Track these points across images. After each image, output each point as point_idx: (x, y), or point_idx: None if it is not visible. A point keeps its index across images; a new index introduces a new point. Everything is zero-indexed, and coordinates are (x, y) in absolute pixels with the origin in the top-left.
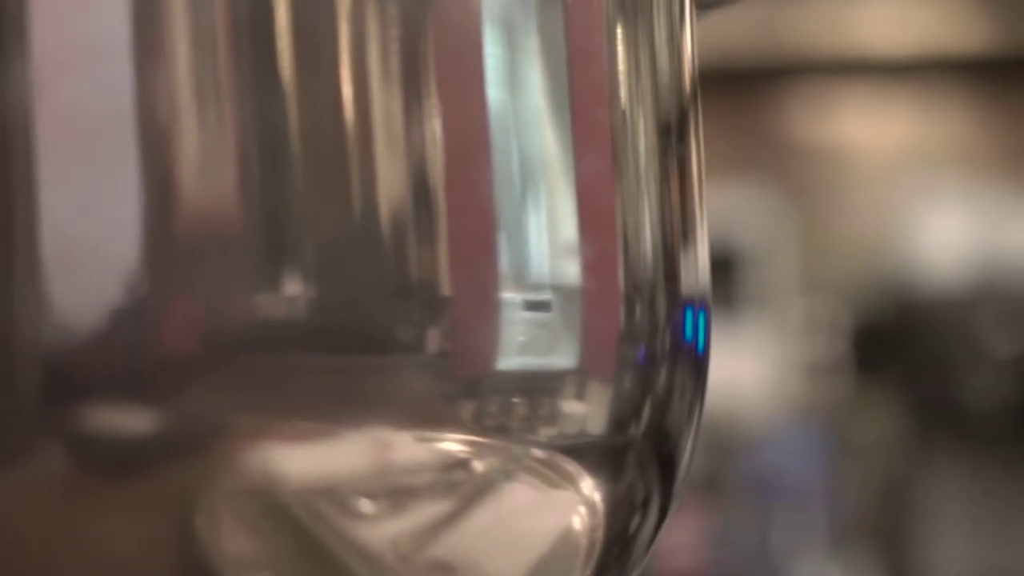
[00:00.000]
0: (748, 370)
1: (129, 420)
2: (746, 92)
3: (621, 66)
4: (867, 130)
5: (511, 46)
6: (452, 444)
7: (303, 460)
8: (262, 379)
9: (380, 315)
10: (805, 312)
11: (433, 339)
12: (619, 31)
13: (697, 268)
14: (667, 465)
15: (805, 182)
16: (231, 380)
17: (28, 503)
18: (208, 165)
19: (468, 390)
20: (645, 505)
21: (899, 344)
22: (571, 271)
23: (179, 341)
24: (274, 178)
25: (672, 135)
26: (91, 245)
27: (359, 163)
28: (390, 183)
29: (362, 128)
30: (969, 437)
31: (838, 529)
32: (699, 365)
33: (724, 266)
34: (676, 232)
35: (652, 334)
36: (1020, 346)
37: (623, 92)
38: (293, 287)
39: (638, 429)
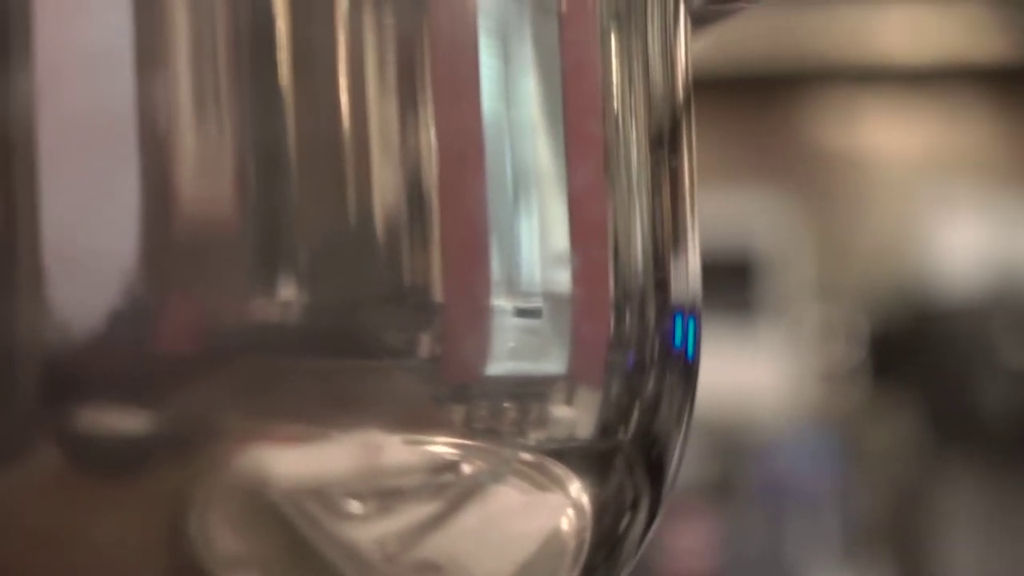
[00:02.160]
0: (764, 376)
1: (124, 421)
2: (766, 98)
3: (615, 77)
4: (887, 138)
5: (505, 57)
6: (441, 447)
7: (295, 461)
8: (256, 381)
9: (372, 320)
10: (821, 319)
11: (424, 344)
12: (613, 42)
13: (688, 276)
14: (656, 468)
15: (824, 189)
16: (226, 382)
17: (24, 501)
18: (206, 171)
19: (458, 394)
20: (634, 507)
21: (915, 352)
22: (562, 279)
23: (175, 343)
24: (271, 184)
25: (664, 145)
26: (90, 248)
27: (354, 171)
28: (384, 191)
29: (358, 136)
30: (983, 445)
31: (851, 536)
32: (688, 371)
33: (741, 272)
34: (667, 241)
35: (641, 341)
36: None
37: (616, 102)
38: (288, 292)
39: (626, 433)
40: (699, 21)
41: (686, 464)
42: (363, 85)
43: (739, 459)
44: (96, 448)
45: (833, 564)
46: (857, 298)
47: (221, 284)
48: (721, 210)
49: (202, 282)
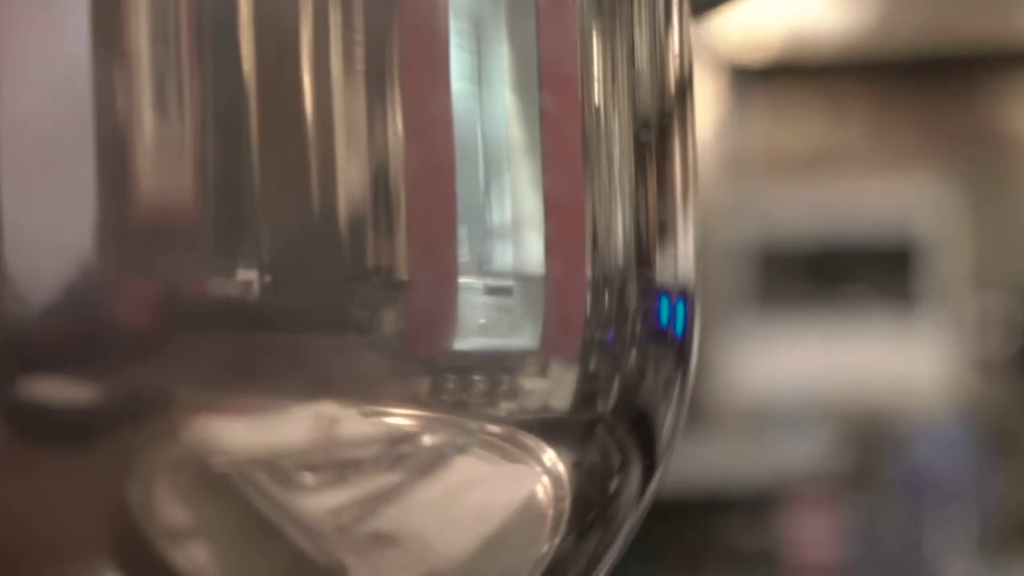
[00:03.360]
0: (920, 364)
1: (79, 392)
2: (932, 82)
3: (595, 64)
4: None
5: (478, 40)
6: (402, 419)
7: (247, 432)
8: (211, 355)
9: (333, 296)
10: (980, 308)
11: (388, 319)
12: (594, 31)
13: (676, 261)
14: (643, 434)
15: (988, 175)
16: (180, 355)
17: None
18: (166, 151)
19: (424, 368)
20: (623, 469)
21: None
22: (535, 260)
23: (128, 317)
24: (232, 165)
25: (652, 132)
26: (48, 224)
27: (318, 152)
28: (349, 172)
29: (322, 118)
30: None
31: (992, 529)
32: (677, 346)
33: (902, 258)
34: (652, 226)
35: (622, 319)
36: None
37: (596, 89)
38: (248, 271)
39: (607, 405)
40: (698, 9)
41: (818, 455)
42: (327, 66)
43: (883, 448)
44: (50, 419)
45: (973, 558)
46: (1016, 287)
47: (179, 262)
48: (883, 196)
49: (160, 260)
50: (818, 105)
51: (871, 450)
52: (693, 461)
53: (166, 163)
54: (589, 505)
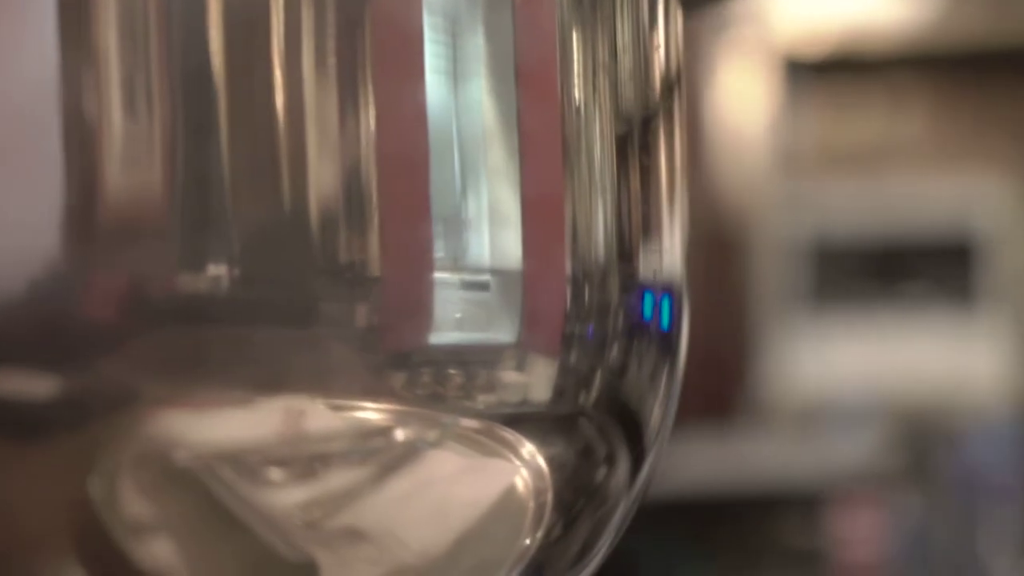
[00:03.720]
0: (980, 362)
1: (42, 386)
2: (998, 76)
3: (575, 58)
4: None
5: (453, 34)
6: (373, 413)
7: (219, 428)
8: (180, 350)
9: (305, 291)
10: None
11: (361, 314)
12: (573, 24)
13: (661, 255)
14: (630, 426)
15: None
16: (148, 350)
17: None
18: (135, 146)
19: (397, 362)
20: (610, 460)
21: None
22: (512, 255)
23: (97, 312)
24: (202, 160)
25: (635, 127)
26: (16, 219)
27: (290, 147)
28: (321, 167)
29: (293, 112)
30: None
31: None
32: (662, 339)
33: (960, 255)
34: (635, 221)
35: (602, 313)
36: None
37: (576, 83)
38: (218, 266)
39: (588, 398)
40: (690, 5)
41: (873, 453)
42: (299, 60)
43: (938, 447)
44: (15, 413)
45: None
46: None
47: (150, 255)
48: (941, 192)
49: (130, 253)
50: (876, 100)
51: (926, 448)
52: (747, 459)
53: (135, 158)
54: (573, 497)
